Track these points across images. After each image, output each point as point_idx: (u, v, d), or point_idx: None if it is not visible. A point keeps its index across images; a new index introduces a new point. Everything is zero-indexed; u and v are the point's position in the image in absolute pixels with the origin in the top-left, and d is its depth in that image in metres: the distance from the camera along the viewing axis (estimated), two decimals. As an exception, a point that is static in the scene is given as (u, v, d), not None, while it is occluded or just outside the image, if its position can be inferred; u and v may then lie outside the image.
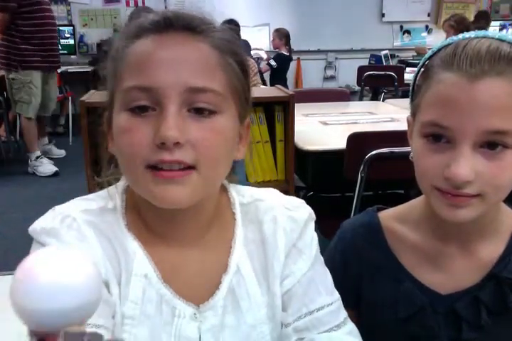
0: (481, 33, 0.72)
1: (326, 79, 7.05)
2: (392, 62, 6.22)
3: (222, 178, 0.70)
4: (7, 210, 3.51)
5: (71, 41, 6.20)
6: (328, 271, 0.77)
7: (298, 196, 2.42)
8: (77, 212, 0.67)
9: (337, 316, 0.74)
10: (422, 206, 0.83)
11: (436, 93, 0.70)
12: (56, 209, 0.69)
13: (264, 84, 5.01)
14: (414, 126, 0.75)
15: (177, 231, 0.70)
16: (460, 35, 0.73)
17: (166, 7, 6.28)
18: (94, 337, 0.37)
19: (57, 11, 6.15)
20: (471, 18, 6.24)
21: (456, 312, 0.79)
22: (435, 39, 6.89)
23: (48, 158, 4.54)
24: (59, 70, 4.68)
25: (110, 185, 0.73)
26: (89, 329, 0.38)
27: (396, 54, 6.81)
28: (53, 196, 3.58)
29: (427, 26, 7.24)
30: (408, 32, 7.19)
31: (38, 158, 4.36)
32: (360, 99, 5.03)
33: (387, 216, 0.87)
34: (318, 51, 6.90)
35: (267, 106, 1.98)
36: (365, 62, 5.82)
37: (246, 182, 1.81)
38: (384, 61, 5.76)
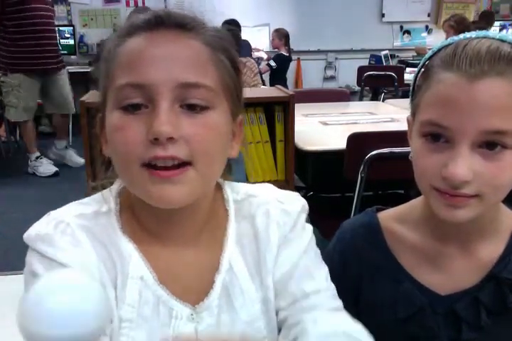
0: (482, 33, 0.72)
1: (326, 79, 7.05)
2: (392, 63, 6.22)
3: (217, 176, 0.70)
4: (7, 210, 3.51)
5: (71, 41, 6.20)
6: (324, 264, 0.76)
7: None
8: (71, 217, 0.67)
9: (335, 300, 0.73)
10: (422, 206, 0.83)
11: (436, 93, 0.70)
12: (51, 215, 0.69)
13: (264, 84, 5.00)
14: (414, 125, 0.75)
15: (173, 231, 0.70)
16: (461, 35, 0.73)
17: (165, 7, 6.28)
18: None
19: (58, 11, 6.13)
20: (471, 18, 6.24)
21: (455, 313, 0.79)
22: (435, 39, 6.89)
23: (64, 164, 4.46)
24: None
25: (105, 189, 0.73)
26: None
27: (396, 54, 6.81)
28: (53, 196, 3.57)
29: (427, 26, 7.24)
30: (408, 32, 7.19)
31: (37, 158, 4.36)
32: (360, 99, 5.03)
33: (387, 216, 0.87)
34: (318, 51, 6.89)
35: (267, 106, 1.98)
36: (365, 63, 5.82)
37: (246, 182, 1.81)
38: (384, 61, 5.77)
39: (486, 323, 0.77)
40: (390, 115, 2.72)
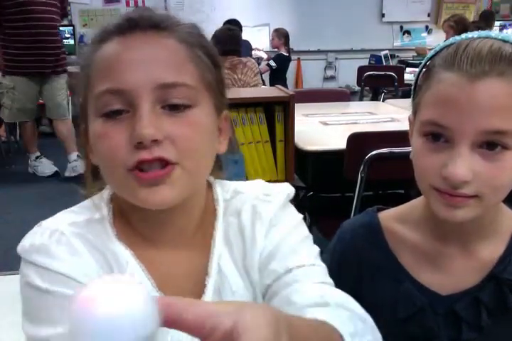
0: (484, 33, 0.71)
1: (326, 79, 7.05)
2: (392, 63, 6.22)
3: (206, 172, 0.69)
4: (7, 210, 3.51)
5: (71, 41, 6.18)
6: (314, 246, 0.73)
7: (298, 196, 2.43)
8: (65, 226, 0.66)
9: (323, 276, 0.69)
10: (422, 206, 0.83)
11: (437, 92, 0.70)
12: (43, 225, 0.67)
13: (264, 84, 5.00)
14: (415, 125, 0.75)
15: (167, 234, 0.69)
16: (463, 35, 0.73)
17: (165, 7, 6.28)
18: None
19: (57, 11, 6.15)
20: (471, 18, 6.24)
21: (456, 313, 0.79)
22: (435, 39, 6.88)
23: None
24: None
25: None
26: None
27: (396, 54, 6.81)
28: (53, 196, 3.57)
29: (427, 26, 7.23)
30: (408, 32, 7.19)
31: (37, 158, 4.35)
32: (360, 99, 5.03)
33: (388, 216, 0.87)
34: (318, 51, 6.89)
35: (267, 106, 1.98)
36: (365, 63, 5.82)
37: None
38: (384, 61, 5.77)
39: (487, 323, 0.77)
40: (390, 115, 2.72)
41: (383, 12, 6.99)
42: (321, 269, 0.70)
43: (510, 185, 0.71)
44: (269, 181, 0.78)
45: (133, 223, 0.69)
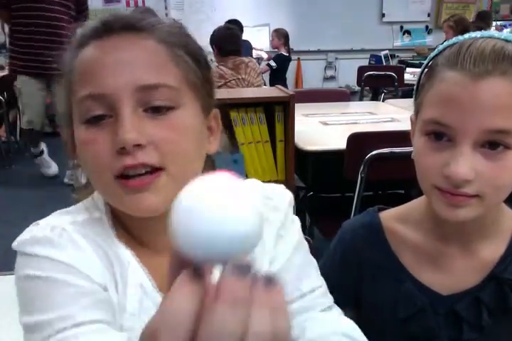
0: (487, 33, 0.72)
1: (326, 79, 7.05)
2: (392, 63, 6.22)
3: (193, 176, 0.68)
4: (7, 210, 3.51)
5: (71, 41, 6.19)
6: (313, 258, 0.75)
7: (298, 196, 2.43)
8: (66, 223, 0.65)
9: (327, 298, 0.73)
10: (423, 206, 0.83)
11: (439, 91, 0.70)
12: (41, 223, 0.65)
13: (264, 84, 5.00)
14: (417, 124, 0.75)
15: (163, 241, 0.67)
16: (466, 35, 0.73)
17: (166, 7, 6.28)
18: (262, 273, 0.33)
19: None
20: (471, 18, 6.24)
21: (456, 313, 0.79)
22: (435, 39, 6.89)
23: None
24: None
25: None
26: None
27: (396, 54, 6.80)
28: (53, 196, 3.57)
29: (427, 26, 7.24)
30: (408, 32, 7.19)
31: (41, 153, 4.27)
32: (360, 99, 5.03)
33: (388, 216, 0.87)
34: (318, 51, 6.89)
35: (267, 106, 1.98)
36: (365, 63, 5.82)
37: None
38: (384, 61, 5.76)
39: (487, 323, 0.77)
40: (390, 115, 2.72)
41: (383, 12, 6.99)
42: (324, 288, 0.74)
43: (511, 185, 0.71)
44: (269, 181, 0.77)
45: (127, 226, 0.68)
